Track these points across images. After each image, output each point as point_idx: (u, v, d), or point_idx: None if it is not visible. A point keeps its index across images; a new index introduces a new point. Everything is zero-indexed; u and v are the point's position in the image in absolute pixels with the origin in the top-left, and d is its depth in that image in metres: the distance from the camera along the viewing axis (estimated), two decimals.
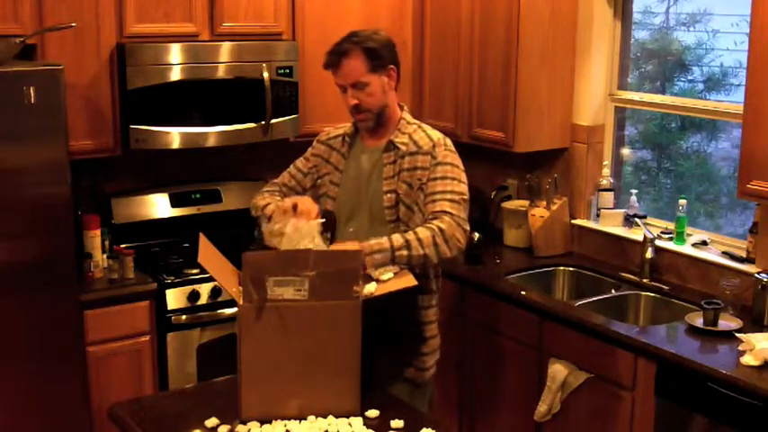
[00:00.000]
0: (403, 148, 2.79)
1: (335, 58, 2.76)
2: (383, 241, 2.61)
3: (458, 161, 2.81)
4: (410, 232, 2.65)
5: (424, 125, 2.89)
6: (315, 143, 3.03)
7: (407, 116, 2.89)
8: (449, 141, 2.84)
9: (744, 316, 3.37)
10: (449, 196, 2.71)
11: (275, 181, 3.07)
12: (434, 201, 2.71)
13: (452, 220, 2.67)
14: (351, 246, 2.59)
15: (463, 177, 2.79)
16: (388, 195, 2.79)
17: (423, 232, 2.64)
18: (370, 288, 2.53)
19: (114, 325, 3.69)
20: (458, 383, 4.08)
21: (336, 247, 2.65)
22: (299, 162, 3.04)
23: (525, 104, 4.10)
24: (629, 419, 3.32)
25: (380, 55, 2.77)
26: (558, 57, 4.17)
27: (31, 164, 3.37)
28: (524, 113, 4.10)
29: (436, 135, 2.82)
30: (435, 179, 2.74)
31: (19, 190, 3.37)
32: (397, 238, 2.62)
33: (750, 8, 3.18)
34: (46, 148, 3.39)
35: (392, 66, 2.81)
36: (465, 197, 2.75)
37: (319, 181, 2.96)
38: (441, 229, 2.64)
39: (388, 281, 2.59)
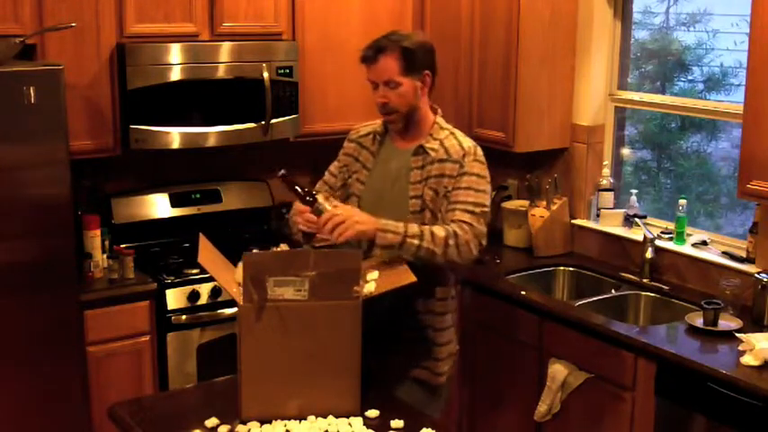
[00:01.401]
0: (433, 153, 2.76)
1: (372, 53, 2.72)
2: (399, 224, 2.62)
3: (485, 172, 2.80)
4: (427, 226, 2.65)
5: (457, 132, 2.85)
6: (345, 142, 3.00)
7: (441, 121, 2.85)
8: (479, 151, 2.81)
9: (744, 316, 3.37)
10: (470, 207, 2.70)
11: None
12: (455, 210, 2.70)
13: (471, 229, 2.67)
14: (358, 212, 2.64)
15: (488, 189, 2.79)
16: (414, 200, 2.75)
17: (438, 230, 2.64)
18: (370, 287, 2.53)
19: (114, 325, 3.69)
20: (458, 383, 4.08)
21: (339, 209, 2.62)
22: (332, 165, 3.02)
23: (525, 104, 4.10)
24: (629, 419, 3.32)
25: (417, 58, 2.73)
26: (558, 57, 4.17)
27: (31, 164, 3.37)
28: (524, 113, 4.11)
29: (468, 143, 2.80)
30: (459, 189, 2.72)
31: (19, 190, 3.37)
32: (413, 227, 2.63)
33: (750, 8, 3.18)
34: (46, 148, 3.39)
35: (427, 71, 2.77)
36: (486, 210, 2.75)
37: (349, 180, 2.92)
38: (456, 234, 2.64)
39: (384, 281, 2.58)
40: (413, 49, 2.73)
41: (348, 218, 2.57)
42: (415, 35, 2.84)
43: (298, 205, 2.68)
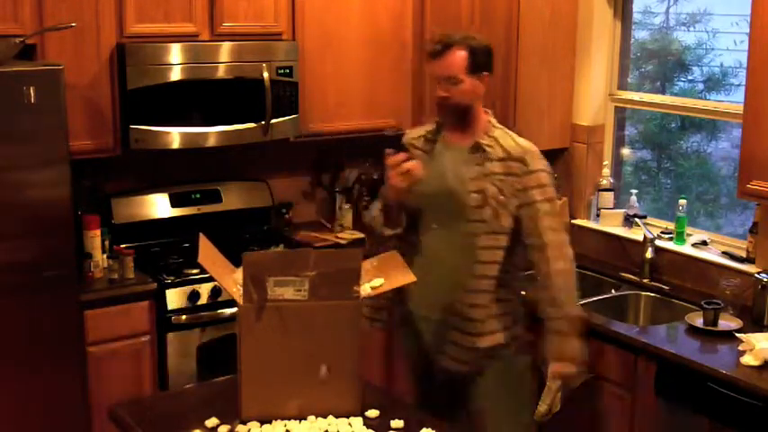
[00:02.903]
0: (490, 150, 2.84)
1: (442, 48, 2.80)
2: (554, 340, 2.84)
3: (546, 164, 2.90)
4: (562, 316, 2.83)
5: (509, 131, 2.93)
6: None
7: (493, 120, 2.94)
8: (535, 147, 2.91)
9: (744, 316, 3.37)
10: (548, 222, 2.82)
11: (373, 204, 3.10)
12: (536, 219, 2.82)
13: (560, 252, 2.84)
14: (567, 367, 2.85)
15: (552, 178, 2.92)
16: (475, 195, 2.82)
17: (564, 295, 2.84)
18: (367, 288, 2.53)
19: (114, 325, 3.69)
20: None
21: (558, 369, 2.86)
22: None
23: (525, 104, 4.10)
24: (630, 419, 3.32)
25: (481, 58, 2.84)
26: (558, 57, 4.17)
27: (31, 164, 3.37)
28: (524, 113, 4.11)
29: (524, 142, 2.89)
30: (532, 188, 2.83)
31: (19, 190, 3.37)
32: (566, 324, 2.83)
33: (750, 8, 3.18)
34: (46, 148, 3.39)
35: (487, 72, 2.87)
36: (557, 202, 2.96)
37: None
38: (558, 245, 2.85)
39: (381, 285, 2.58)
40: (479, 49, 2.83)
41: None
42: (479, 37, 2.91)
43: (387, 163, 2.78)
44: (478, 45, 2.84)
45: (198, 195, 4.33)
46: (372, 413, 2.49)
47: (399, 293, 2.93)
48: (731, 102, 3.97)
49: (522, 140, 2.90)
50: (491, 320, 2.89)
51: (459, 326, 2.91)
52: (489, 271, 2.86)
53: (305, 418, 2.43)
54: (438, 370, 2.99)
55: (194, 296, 3.81)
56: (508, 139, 2.88)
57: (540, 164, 2.87)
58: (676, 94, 4.32)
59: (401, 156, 2.74)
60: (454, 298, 2.89)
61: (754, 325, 3.32)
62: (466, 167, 2.86)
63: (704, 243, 3.82)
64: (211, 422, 2.42)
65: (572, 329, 2.82)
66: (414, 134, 3.03)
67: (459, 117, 2.88)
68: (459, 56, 2.80)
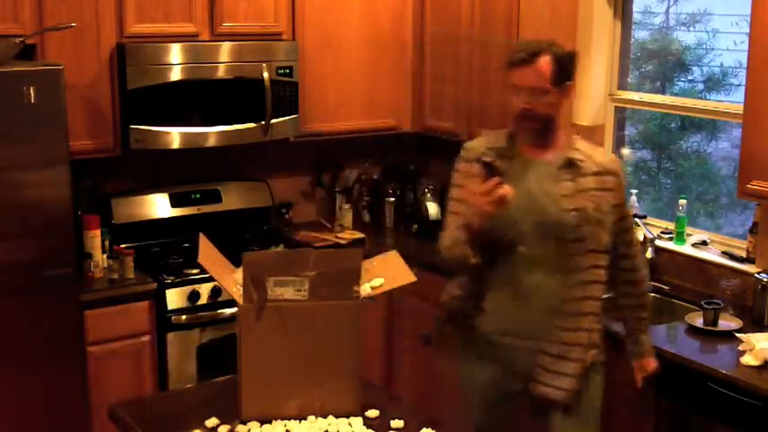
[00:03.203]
0: (582, 165, 2.66)
1: (528, 56, 2.59)
2: (646, 339, 2.92)
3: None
4: (643, 310, 2.91)
5: (585, 141, 2.79)
6: (460, 164, 2.79)
7: (573, 133, 2.83)
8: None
9: (744, 316, 3.37)
10: (632, 236, 2.86)
11: (444, 231, 2.77)
12: (629, 231, 2.83)
13: (642, 260, 2.94)
14: (652, 363, 2.94)
15: None
16: (574, 214, 2.62)
17: (647, 299, 2.95)
18: (367, 288, 2.53)
19: (114, 325, 3.69)
20: (459, 382, 4.07)
21: (645, 362, 2.95)
22: (455, 192, 2.77)
23: None
24: (630, 419, 3.31)
25: (566, 67, 2.63)
26: None
27: (31, 164, 3.37)
28: None
29: (610, 154, 2.88)
30: (623, 202, 2.79)
31: (19, 190, 3.37)
32: (642, 323, 2.91)
33: (750, 8, 3.18)
34: (46, 148, 3.39)
35: (570, 82, 2.66)
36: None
37: None
38: (640, 259, 2.92)
39: (381, 285, 2.58)
40: (564, 57, 2.63)
41: None
42: (561, 44, 2.70)
43: (476, 189, 2.50)
44: (563, 53, 2.63)
45: (198, 195, 4.33)
46: (372, 413, 2.49)
47: (467, 319, 2.79)
48: (731, 102, 3.97)
49: (606, 152, 2.83)
50: (594, 343, 2.75)
51: (557, 351, 2.70)
52: (594, 292, 2.70)
53: (305, 418, 2.43)
54: (525, 398, 2.77)
55: (194, 296, 3.81)
56: (597, 152, 2.74)
57: (624, 177, 2.78)
58: (676, 94, 4.32)
59: (494, 181, 2.46)
60: (554, 323, 2.69)
61: (754, 325, 3.31)
62: (556, 184, 2.64)
63: (704, 243, 3.82)
64: (211, 422, 2.42)
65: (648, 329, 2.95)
66: (478, 148, 2.74)
67: (541, 130, 2.65)
68: (545, 65, 2.58)
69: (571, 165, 2.65)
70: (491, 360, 2.79)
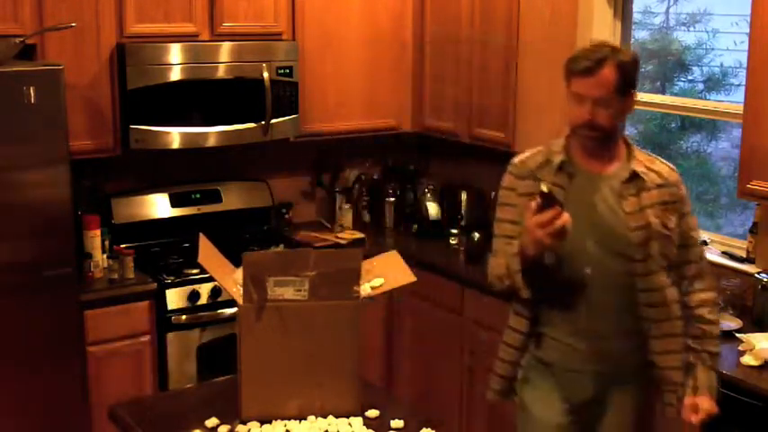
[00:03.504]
0: (646, 178, 2.51)
1: (592, 65, 2.42)
2: (705, 374, 2.57)
3: None
4: (707, 340, 2.58)
5: (642, 151, 2.61)
6: (510, 179, 2.63)
7: (629, 140, 2.60)
8: None
9: (744, 316, 3.36)
10: (699, 251, 2.63)
11: (494, 257, 2.61)
12: (695, 246, 2.60)
13: (712, 280, 2.67)
14: (706, 402, 2.55)
15: None
16: (638, 232, 2.46)
17: (714, 329, 2.61)
18: (367, 288, 2.53)
19: (114, 325, 3.69)
20: (459, 382, 4.08)
21: (699, 400, 2.55)
22: (503, 212, 2.63)
23: (525, 104, 4.10)
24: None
25: (630, 74, 2.47)
26: (558, 57, 4.13)
27: (31, 164, 3.37)
28: (524, 113, 4.10)
29: (669, 164, 2.62)
30: (687, 214, 2.58)
31: (19, 190, 3.37)
32: (703, 355, 2.57)
33: (750, 8, 3.18)
34: (46, 148, 3.39)
35: (634, 90, 2.50)
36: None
37: None
38: (714, 302, 2.64)
39: (381, 285, 2.58)
40: (628, 64, 2.46)
41: None
42: (626, 48, 2.57)
43: (534, 221, 2.32)
44: (628, 59, 2.46)
45: (198, 195, 4.33)
46: (372, 413, 2.49)
47: (520, 350, 2.64)
48: (731, 102, 3.97)
49: (665, 162, 2.61)
50: (676, 366, 2.58)
51: (641, 376, 2.58)
52: (668, 313, 2.53)
53: (305, 418, 2.43)
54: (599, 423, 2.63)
55: (194, 296, 3.81)
56: (657, 163, 2.57)
57: (684, 188, 2.60)
58: (676, 94, 4.32)
59: (553, 212, 2.29)
60: (629, 347, 2.54)
61: (754, 325, 3.31)
62: (620, 200, 2.49)
63: (704, 243, 3.81)
64: (211, 422, 2.42)
65: (715, 364, 2.61)
66: (531, 163, 2.58)
67: (602, 142, 2.49)
68: (610, 74, 2.41)
69: (635, 179, 2.50)
70: (560, 389, 2.59)
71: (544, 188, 2.31)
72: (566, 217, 2.30)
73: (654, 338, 2.54)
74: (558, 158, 2.54)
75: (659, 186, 2.52)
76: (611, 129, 2.47)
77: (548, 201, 2.30)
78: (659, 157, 2.62)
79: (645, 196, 2.50)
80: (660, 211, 2.50)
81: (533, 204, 2.33)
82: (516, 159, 2.63)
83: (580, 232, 2.43)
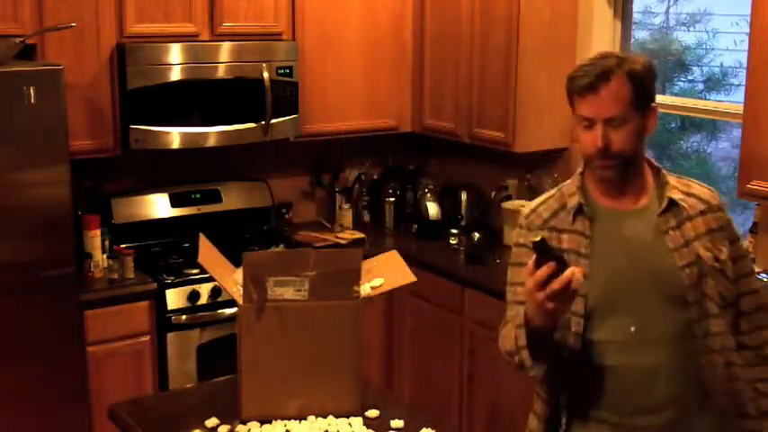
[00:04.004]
0: (686, 205, 2.12)
1: (593, 80, 2.02)
2: None
3: None
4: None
5: (673, 174, 2.23)
6: (521, 234, 2.23)
7: (654, 162, 2.20)
8: None
9: None
10: (756, 281, 2.21)
11: (504, 327, 2.21)
12: (750, 275, 2.19)
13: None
14: None
15: None
16: (688, 271, 2.07)
17: None
18: (367, 288, 2.53)
19: (114, 325, 3.69)
20: (459, 382, 4.08)
21: None
22: (516, 276, 2.18)
23: (525, 104, 4.10)
24: None
25: (646, 86, 2.07)
26: (558, 57, 4.16)
27: (31, 164, 3.37)
28: (524, 113, 4.10)
29: (705, 185, 2.24)
30: (736, 239, 2.19)
31: (19, 190, 3.37)
32: None
33: (750, 8, 3.18)
34: (46, 148, 3.39)
35: (653, 103, 2.10)
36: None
37: None
38: None
39: (381, 285, 2.58)
40: (642, 72, 2.06)
41: None
42: (637, 56, 2.13)
43: (532, 281, 1.90)
44: (641, 67, 2.06)
45: (198, 195, 4.33)
46: (372, 413, 2.49)
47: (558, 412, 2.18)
48: (731, 102, 3.97)
49: (698, 182, 2.23)
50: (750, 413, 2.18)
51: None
52: (734, 357, 2.13)
53: (305, 418, 2.43)
54: None
55: (194, 296, 3.81)
56: (695, 186, 2.18)
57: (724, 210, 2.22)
58: (676, 94, 4.32)
59: (548, 268, 1.88)
60: (692, 408, 2.10)
61: None
62: (660, 237, 2.10)
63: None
64: (211, 422, 2.42)
65: None
66: (544, 211, 2.20)
67: (623, 172, 2.09)
68: (621, 87, 2.02)
69: (673, 208, 2.12)
70: None
71: (536, 237, 1.91)
72: (568, 273, 1.87)
73: (716, 394, 2.11)
74: (573, 201, 2.14)
75: (702, 213, 2.14)
76: (630, 154, 2.07)
77: (543, 253, 1.90)
78: (694, 180, 2.23)
79: (688, 227, 2.11)
80: (709, 242, 2.11)
81: (530, 262, 1.91)
82: (527, 209, 2.26)
83: (617, 285, 2.08)
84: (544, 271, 1.88)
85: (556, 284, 1.87)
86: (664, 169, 2.19)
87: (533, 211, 2.23)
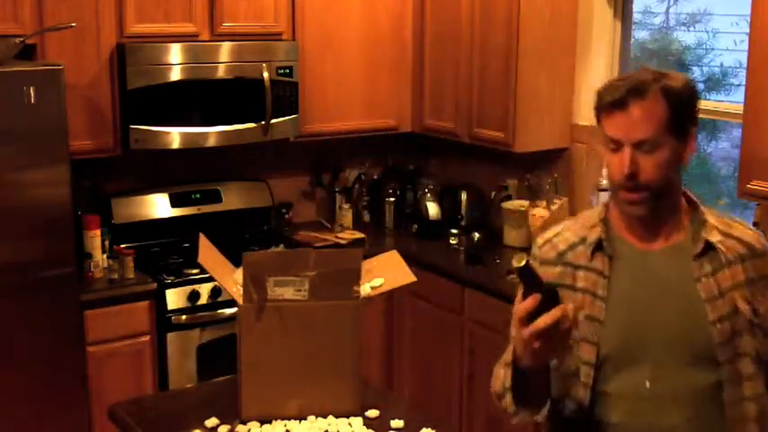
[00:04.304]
0: (724, 248, 1.85)
1: (623, 95, 1.77)
2: None
3: None
4: None
5: (713, 211, 1.94)
6: (533, 264, 1.84)
7: (692, 196, 1.92)
8: None
9: None
10: None
11: (497, 366, 1.97)
12: None
13: None
14: None
15: None
16: (720, 326, 1.80)
17: None
18: (367, 288, 2.53)
19: (114, 325, 3.69)
20: (459, 382, 4.08)
21: None
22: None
23: (525, 104, 4.10)
24: None
25: (686, 107, 1.80)
26: (558, 57, 4.17)
27: (31, 164, 3.37)
28: (524, 113, 4.10)
29: (750, 225, 2.02)
30: None
31: (19, 190, 3.37)
32: None
33: (750, 8, 3.18)
34: (46, 148, 3.39)
35: (694, 127, 1.84)
36: None
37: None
38: None
39: (381, 285, 2.58)
40: (681, 92, 1.79)
41: None
42: (677, 73, 1.85)
43: (517, 315, 1.68)
44: (680, 84, 1.79)
45: (198, 195, 4.33)
46: (372, 413, 2.48)
47: None
48: (731, 102, 3.97)
49: (743, 222, 1.97)
50: None
51: None
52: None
53: (305, 418, 2.43)
54: None
55: (194, 296, 3.81)
56: (737, 227, 1.90)
57: None
58: None
59: (531, 301, 1.64)
60: None
61: None
62: (691, 284, 1.82)
63: None
64: (211, 422, 2.42)
65: None
66: (560, 243, 1.94)
67: (654, 205, 1.81)
68: (656, 105, 1.76)
69: (709, 251, 1.84)
70: None
71: (520, 262, 1.65)
72: (557, 311, 1.64)
73: None
74: (593, 234, 1.89)
75: (743, 259, 1.86)
76: (662, 186, 1.79)
77: (530, 282, 1.66)
78: (736, 218, 1.96)
79: (725, 275, 1.83)
80: (748, 293, 1.83)
81: (519, 292, 1.69)
82: (541, 238, 1.99)
83: (636, 334, 1.83)
84: (529, 303, 1.64)
85: (541, 322, 1.63)
86: (703, 205, 1.91)
87: (548, 241, 1.96)
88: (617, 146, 1.79)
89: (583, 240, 1.90)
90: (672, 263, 1.85)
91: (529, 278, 1.66)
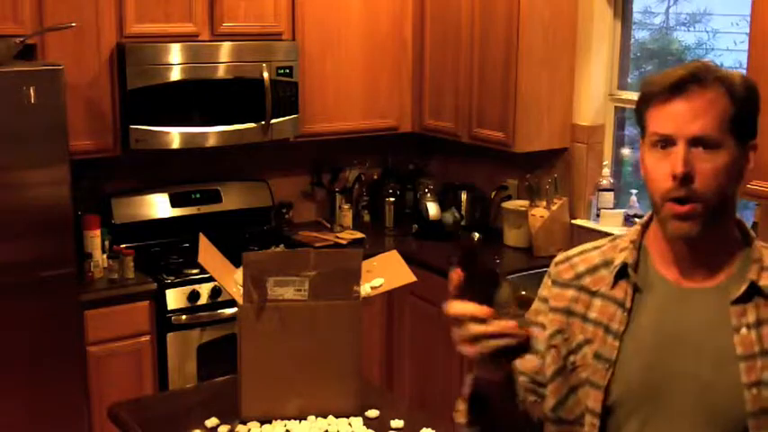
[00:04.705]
0: None
1: (682, 80, 1.44)
2: None
3: None
4: None
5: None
6: (546, 285, 1.68)
7: (748, 228, 1.57)
8: None
9: None
10: None
11: None
12: None
13: None
14: None
15: None
16: (756, 391, 1.44)
17: None
18: (367, 288, 2.53)
19: (114, 325, 3.69)
20: (459, 382, 4.08)
21: None
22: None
23: (525, 104, 4.10)
24: None
25: (751, 110, 1.49)
26: (558, 57, 4.16)
27: (31, 164, 3.37)
28: (524, 113, 4.10)
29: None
30: None
31: (19, 190, 3.37)
32: None
33: (750, 8, 3.18)
34: (46, 148, 3.39)
35: (755, 140, 1.51)
36: None
37: (572, 357, 1.57)
38: None
39: (381, 285, 2.58)
40: (745, 93, 1.47)
41: None
42: (737, 72, 1.52)
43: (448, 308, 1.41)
44: (745, 84, 1.48)
45: (198, 195, 4.33)
46: (372, 413, 2.49)
47: None
48: None
49: None
50: None
51: None
52: None
53: (305, 418, 2.43)
54: None
55: (194, 296, 3.81)
56: None
57: None
58: None
59: (455, 276, 1.40)
60: None
61: None
62: (726, 333, 1.47)
63: None
64: (211, 422, 2.42)
65: None
66: (580, 263, 1.62)
67: (707, 222, 1.46)
68: (719, 98, 1.44)
69: (755, 296, 1.48)
70: None
71: (465, 239, 1.41)
72: (504, 324, 1.36)
73: None
74: (620, 258, 1.56)
75: None
76: (718, 201, 1.46)
77: (468, 263, 1.38)
78: None
79: None
80: None
81: (454, 273, 1.41)
82: (562, 254, 1.68)
83: (651, 383, 1.50)
84: (455, 276, 1.36)
85: (474, 328, 1.35)
86: (760, 242, 1.54)
87: (567, 259, 1.64)
88: (666, 144, 1.46)
89: (607, 264, 1.58)
90: (710, 304, 1.50)
91: (469, 258, 1.41)
